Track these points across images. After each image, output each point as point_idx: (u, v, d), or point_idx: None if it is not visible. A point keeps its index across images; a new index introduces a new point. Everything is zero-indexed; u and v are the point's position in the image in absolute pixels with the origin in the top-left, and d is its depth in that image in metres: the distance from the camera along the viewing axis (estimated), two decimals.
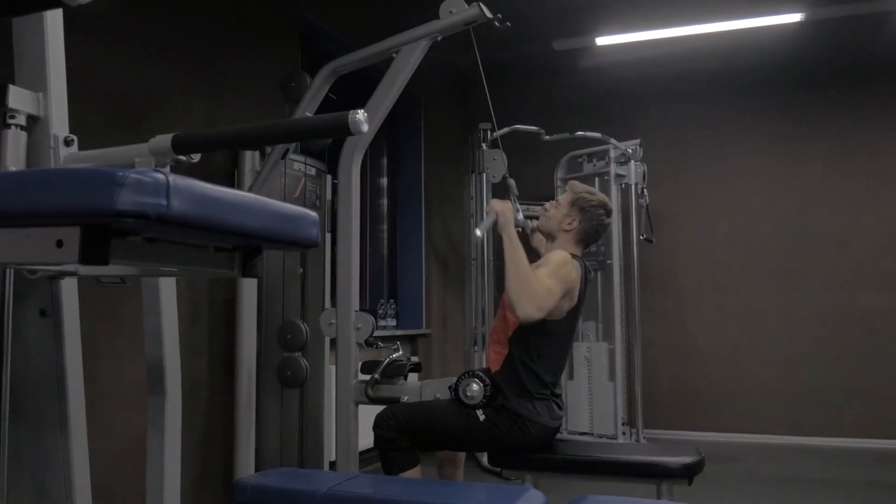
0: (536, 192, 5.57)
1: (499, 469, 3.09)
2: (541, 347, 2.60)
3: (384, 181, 5.60)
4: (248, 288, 3.23)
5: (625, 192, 5.27)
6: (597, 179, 5.43)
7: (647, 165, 5.24)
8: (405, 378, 3.07)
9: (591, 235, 2.74)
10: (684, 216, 5.68)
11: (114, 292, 2.78)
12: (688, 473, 2.49)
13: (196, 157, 1.63)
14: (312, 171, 3.57)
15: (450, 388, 2.62)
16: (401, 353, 3.04)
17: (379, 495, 1.99)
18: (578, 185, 2.82)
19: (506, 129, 4.89)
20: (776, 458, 4.85)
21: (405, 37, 2.92)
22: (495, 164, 4.69)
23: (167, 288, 1.72)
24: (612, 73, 5.80)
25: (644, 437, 5.08)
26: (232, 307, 3.26)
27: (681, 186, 5.71)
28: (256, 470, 3.22)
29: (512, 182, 3.03)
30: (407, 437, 2.59)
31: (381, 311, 5.09)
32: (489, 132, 4.74)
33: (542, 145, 5.23)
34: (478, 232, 2.72)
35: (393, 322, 5.13)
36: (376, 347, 3.04)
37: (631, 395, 5.20)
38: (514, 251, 2.53)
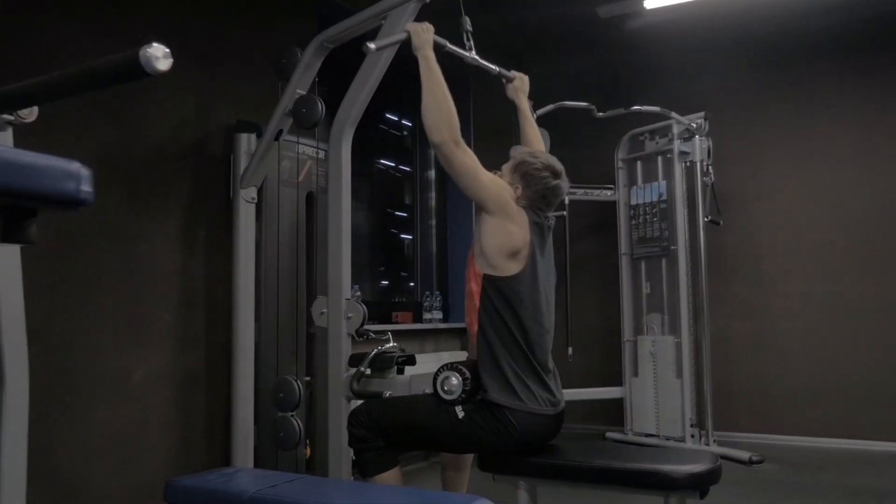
0: (595, 175, 5.20)
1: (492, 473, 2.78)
2: (508, 308, 2.28)
3: (432, 173, 5.36)
4: (245, 274, 3.08)
5: (690, 171, 4.79)
6: (660, 158, 4.99)
7: (715, 141, 4.75)
8: (400, 372, 2.84)
9: (539, 201, 2.39)
10: (763, 196, 5.11)
11: (93, 283, 2.69)
12: (696, 484, 2.11)
13: (29, 116, 1.45)
14: (322, 155, 3.38)
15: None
16: (392, 344, 2.81)
17: (305, 499, 1.76)
18: (519, 149, 2.50)
19: (550, 106, 4.55)
20: (870, 468, 4.25)
21: (392, 1, 2.69)
22: None
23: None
24: (667, 39, 5.26)
25: (715, 440, 4.60)
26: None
27: (757, 163, 5.14)
28: (255, 464, 3.07)
29: (465, 18, 2.69)
30: (382, 436, 2.35)
31: (426, 304, 4.86)
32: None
33: (596, 124, 4.84)
34: (371, 46, 2.30)
35: (439, 315, 4.88)
36: (367, 338, 2.82)
37: (700, 394, 4.72)
38: (431, 73, 2.27)
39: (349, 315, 2.78)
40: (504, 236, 2.28)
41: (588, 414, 5.49)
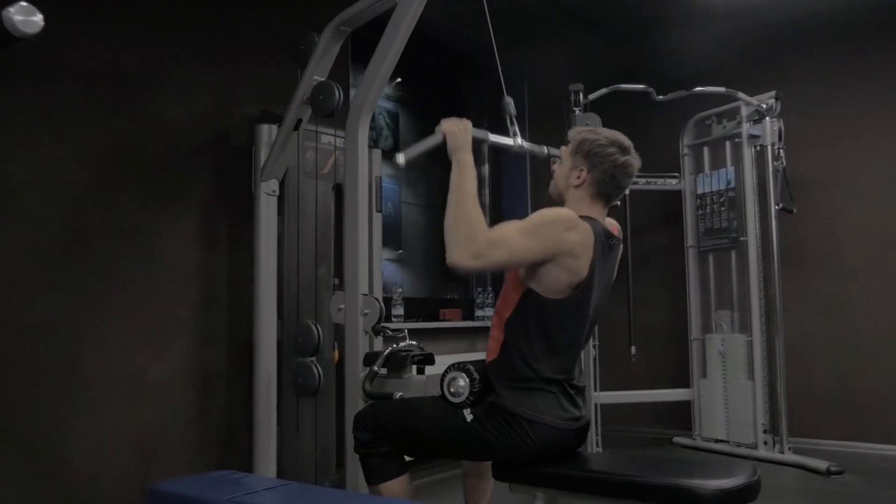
0: (659, 163, 4.89)
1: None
2: (542, 332, 2.07)
3: (485, 168, 5.17)
4: (266, 270, 2.99)
5: (760, 157, 4.41)
6: (727, 143, 4.64)
7: (787, 122, 4.36)
8: (420, 372, 2.68)
9: (608, 184, 2.11)
10: (842, 181, 4.65)
11: (105, 280, 2.66)
12: (727, 501, 1.85)
13: None
14: None
15: None
16: (408, 342, 2.64)
17: None
18: (578, 129, 2.24)
19: (604, 90, 4.28)
20: None
21: None
22: None
23: None
24: (731, 13, 4.86)
25: (790, 448, 4.22)
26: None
27: (835, 146, 4.68)
28: (278, 470, 2.97)
29: (508, 100, 2.49)
30: (387, 441, 2.19)
31: (479, 302, 4.68)
32: (580, 94, 4.16)
33: (658, 109, 4.53)
34: (400, 158, 2.15)
35: (491, 313, 4.67)
36: (385, 336, 2.68)
37: (773, 397, 4.34)
38: (462, 180, 2.03)
39: (365, 311, 2.64)
40: (562, 270, 2.00)
41: (655, 417, 5.18)
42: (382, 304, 2.65)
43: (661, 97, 4.39)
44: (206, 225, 2.97)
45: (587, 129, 2.20)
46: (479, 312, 4.66)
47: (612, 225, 2.24)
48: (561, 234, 1.99)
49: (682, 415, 4.87)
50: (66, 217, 2.54)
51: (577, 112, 4.16)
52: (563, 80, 4.32)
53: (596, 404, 4.93)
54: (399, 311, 4.02)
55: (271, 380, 2.99)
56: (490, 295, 4.71)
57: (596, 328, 2.79)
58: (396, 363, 2.55)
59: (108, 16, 2.71)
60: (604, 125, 4.80)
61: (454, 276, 4.93)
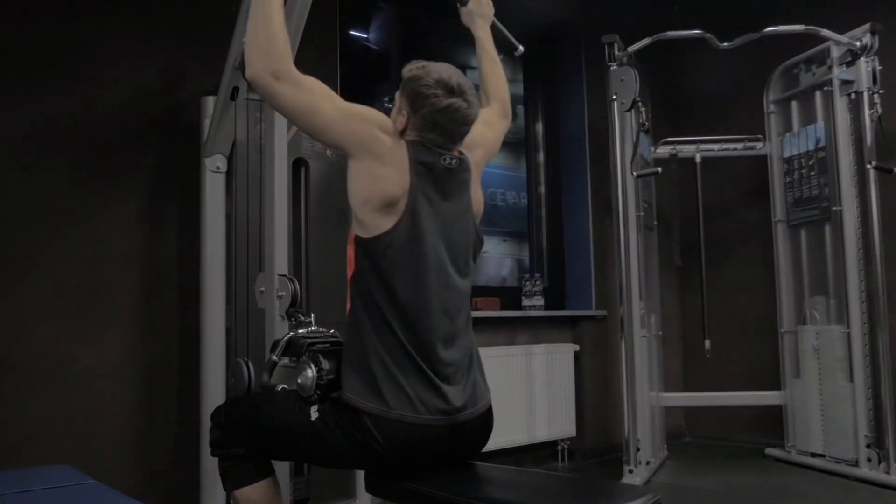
0: (736, 126, 4.19)
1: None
2: (379, 286, 1.68)
3: (540, 155, 4.68)
4: (212, 252, 2.78)
5: (856, 107, 3.59)
6: (817, 94, 3.84)
7: (885, 63, 3.51)
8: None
9: (429, 130, 1.72)
10: None
11: (30, 265, 2.56)
12: None
13: None
14: None
15: None
16: (314, 328, 2.31)
17: None
18: (411, 65, 1.80)
19: (646, 41, 3.67)
20: None
21: None
22: (624, 85, 3.53)
23: None
24: None
25: None
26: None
27: None
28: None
29: None
30: (239, 441, 1.88)
31: (526, 289, 4.21)
32: (614, 46, 3.59)
33: (729, 61, 3.84)
34: None
35: (540, 301, 4.20)
36: (295, 321, 2.36)
37: (878, 404, 3.51)
38: None
39: (280, 293, 2.35)
40: (369, 182, 1.68)
41: (744, 424, 4.45)
42: (298, 287, 2.34)
43: (725, 44, 3.70)
44: (153, 206, 2.80)
45: (418, 65, 1.78)
46: (526, 301, 4.20)
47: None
48: (373, 129, 1.70)
49: (775, 420, 4.11)
50: None
51: (614, 67, 3.59)
52: (608, 28, 3.74)
53: (669, 407, 4.32)
54: None
55: (218, 371, 2.77)
56: (538, 282, 4.24)
57: None
58: (296, 351, 2.23)
59: None
60: (654, 83, 4.21)
61: (490, 261, 4.50)
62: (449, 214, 1.75)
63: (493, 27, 2.30)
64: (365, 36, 3.98)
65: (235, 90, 2.68)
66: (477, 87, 1.91)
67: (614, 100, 3.59)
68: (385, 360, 1.66)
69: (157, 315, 2.79)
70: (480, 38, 2.21)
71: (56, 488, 1.60)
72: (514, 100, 4.55)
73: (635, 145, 3.51)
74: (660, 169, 3.50)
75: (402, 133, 1.75)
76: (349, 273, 1.77)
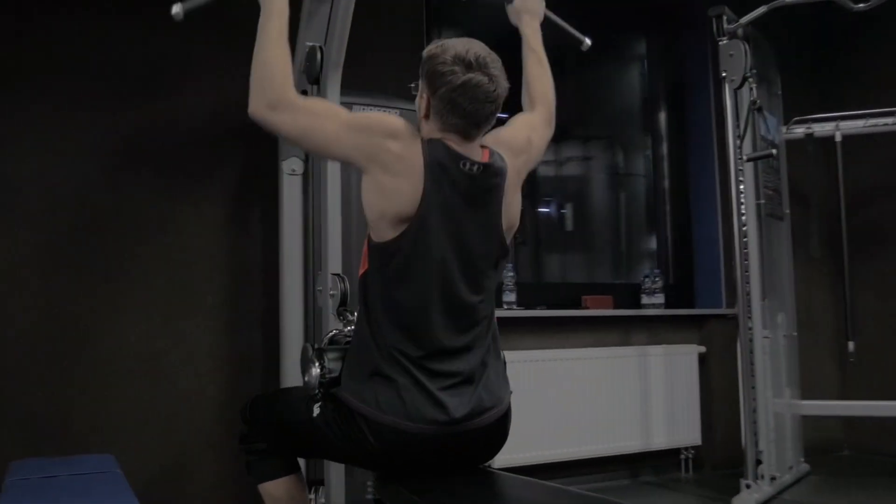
0: (886, 98, 3.68)
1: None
2: (383, 291, 1.63)
3: (664, 146, 4.37)
4: (290, 253, 2.86)
5: None
6: None
7: None
8: None
9: (449, 113, 1.60)
10: None
11: (124, 266, 2.79)
12: None
13: None
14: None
15: None
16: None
17: None
18: (431, 44, 1.69)
19: (760, 9, 3.31)
20: None
21: None
22: (733, 61, 3.21)
23: None
24: None
25: None
26: None
27: None
28: None
29: None
30: (261, 436, 1.91)
31: (646, 287, 3.96)
32: (723, 19, 3.26)
33: (861, 25, 3.37)
34: (176, 8, 1.79)
35: (660, 299, 3.92)
36: (344, 320, 2.37)
37: None
38: (263, 21, 1.65)
39: (332, 292, 2.37)
40: (383, 198, 1.60)
41: None
42: (347, 286, 2.35)
43: (860, 6, 3.24)
44: (236, 210, 2.95)
45: (437, 44, 1.67)
46: (646, 299, 3.94)
47: (485, 150, 1.69)
48: (377, 139, 1.59)
49: None
50: (78, 208, 2.72)
51: (723, 42, 3.27)
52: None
53: (821, 418, 3.87)
54: (510, 297, 3.56)
55: (298, 367, 2.85)
56: (658, 280, 3.96)
57: None
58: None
59: (124, 12, 2.85)
60: (779, 57, 3.76)
61: (622, 260, 4.27)
62: (468, 224, 1.63)
63: (550, 23, 2.14)
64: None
65: (304, 93, 2.75)
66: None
67: (724, 77, 3.27)
68: (382, 365, 1.61)
69: (240, 313, 2.93)
70: (527, 37, 2.02)
71: (74, 476, 1.70)
72: (639, 87, 4.37)
73: (745, 126, 3.18)
74: (774, 151, 3.15)
75: (425, 117, 1.66)
76: (360, 272, 1.74)
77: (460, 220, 1.63)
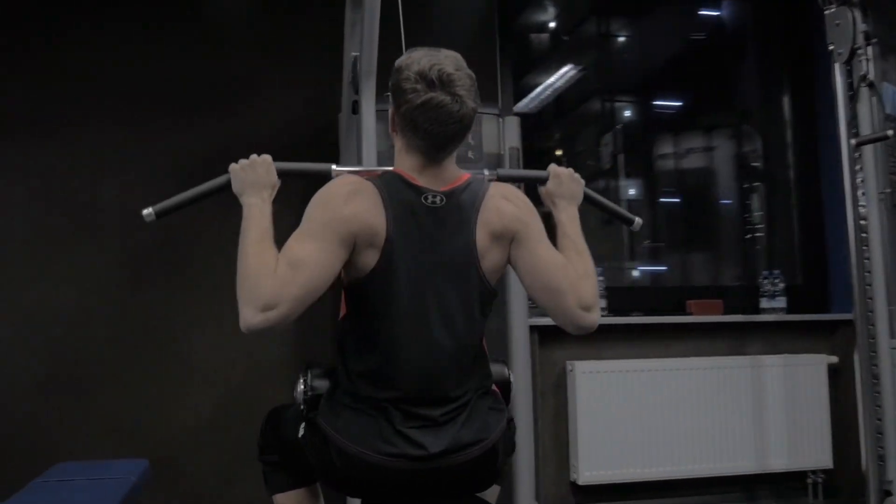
0: None
1: None
2: (356, 325, 1.57)
3: (786, 110, 3.92)
4: None
5: None
6: None
7: None
8: None
9: (412, 128, 1.51)
10: None
11: (197, 277, 2.93)
12: None
13: None
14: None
15: None
16: None
17: None
18: (403, 55, 1.57)
19: None
20: None
21: None
22: (840, 31, 2.81)
23: None
24: None
25: None
26: None
27: None
28: None
29: None
30: (272, 448, 1.91)
31: (764, 290, 3.57)
32: None
33: None
34: (147, 211, 1.74)
35: (781, 303, 3.51)
36: None
37: None
38: (243, 229, 1.54)
39: None
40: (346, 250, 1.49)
41: None
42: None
43: None
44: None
45: (407, 54, 1.56)
46: (766, 303, 3.55)
47: (457, 177, 1.57)
48: (342, 212, 1.48)
49: None
50: (154, 226, 2.85)
51: (830, 10, 2.86)
52: None
53: None
54: (600, 303, 3.33)
55: None
56: (779, 281, 3.55)
57: None
58: None
59: (195, 41, 3.01)
60: None
61: (712, 257, 3.88)
62: (440, 261, 1.52)
63: (593, 201, 1.88)
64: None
65: (356, 104, 2.74)
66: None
67: (831, 51, 2.86)
68: (353, 395, 1.54)
69: (309, 325, 2.96)
70: (563, 224, 1.73)
71: (90, 480, 1.78)
72: (760, 68, 3.95)
73: (853, 105, 2.76)
74: (891, 132, 2.69)
75: (394, 131, 1.59)
76: (340, 315, 1.64)
77: (430, 257, 1.52)
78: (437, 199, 1.51)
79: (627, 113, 4.02)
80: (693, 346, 3.41)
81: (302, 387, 1.72)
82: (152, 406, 2.86)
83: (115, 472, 1.90)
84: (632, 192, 3.91)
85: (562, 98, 3.83)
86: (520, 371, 2.95)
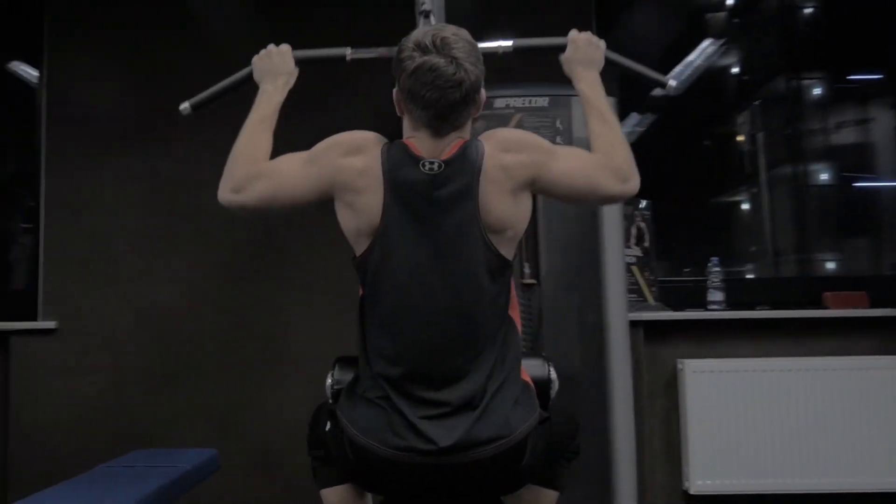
0: None
1: None
2: (368, 304, 1.55)
3: None
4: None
5: None
6: None
7: None
8: None
9: (411, 100, 1.46)
10: None
11: (302, 275, 3.01)
12: None
13: None
14: (535, 102, 2.75)
15: None
16: None
17: None
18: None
19: None
20: None
21: None
22: None
23: None
24: None
25: None
26: None
27: None
28: None
29: None
30: (319, 443, 1.90)
31: None
32: None
33: None
34: (184, 105, 1.91)
35: None
36: None
37: None
38: (252, 110, 1.72)
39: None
40: (353, 215, 1.51)
41: None
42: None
43: None
44: None
45: (420, 29, 1.52)
46: None
47: (454, 144, 1.49)
48: (337, 160, 1.52)
49: None
50: (253, 227, 2.99)
51: None
52: None
53: None
54: (716, 296, 3.03)
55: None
56: None
57: None
58: None
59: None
60: None
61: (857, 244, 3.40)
62: (439, 230, 1.47)
63: (616, 63, 1.81)
64: None
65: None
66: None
67: None
68: (369, 387, 1.52)
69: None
70: (583, 93, 1.70)
71: (150, 467, 1.85)
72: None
73: None
74: None
75: (401, 113, 1.56)
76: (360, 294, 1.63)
77: (430, 226, 1.46)
78: (435, 167, 1.46)
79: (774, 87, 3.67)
80: (829, 345, 3.02)
81: (330, 380, 1.71)
82: (252, 399, 2.97)
83: (174, 460, 1.97)
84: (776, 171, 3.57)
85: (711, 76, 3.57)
86: (618, 370, 2.74)
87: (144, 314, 3.01)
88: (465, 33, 1.48)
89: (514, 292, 1.58)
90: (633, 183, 1.57)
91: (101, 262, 3.04)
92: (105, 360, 2.99)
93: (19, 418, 2.96)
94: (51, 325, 2.98)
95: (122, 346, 3.00)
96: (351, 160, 1.49)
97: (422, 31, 1.47)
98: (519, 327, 1.58)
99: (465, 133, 1.52)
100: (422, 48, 1.42)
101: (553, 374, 1.67)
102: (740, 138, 3.69)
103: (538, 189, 1.53)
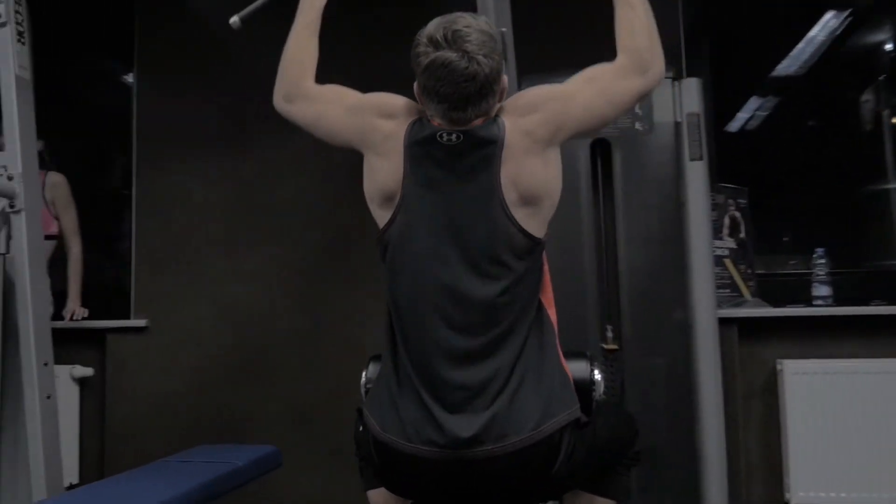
0: None
1: None
2: (389, 287, 1.50)
3: None
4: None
5: None
6: None
7: None
8: None
9: (427, 95, 1.43)
10: None
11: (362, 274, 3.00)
12: None
13: None
14: None
15: None
16: None
17: None
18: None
19: None
20: None
21: None
22: None
23: None
24: None
25: None
26: None
27: None
28: None
29: None
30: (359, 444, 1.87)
31: None
32: None
33: None
34: (234, 18, 1.93)
35: None
36: None
37: None
38: (296, 16, 1.71)
39: None
40: (370, 178, 1.52)
41: None
42: None
43: None
44: None
45: (435, 21, 1.46)
46: None
47: (475, 122, 1.44)
48: (372, 119, 1.52)
49: None
50: (327, 225, 3.01)
51: None
52: None
53: None
54: (822, 291, 2.75)
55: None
56: None
57: None
58: None
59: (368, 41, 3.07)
60: None
61: None
62: (459, 203, 1.42)
63: None
64: None
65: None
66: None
67: None
68: (388, 376, 1.48)
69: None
70: None
71: (204, 462, 1.87)
72: None
73: None
74: None
75: (421, 104, 1.52)
76: None
77: (449, 199, 1.41)
78: (454, 137, 1.42)
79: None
80: (877, 346, 2.71)
81: (363, 379, 1.67)
82: (328, 395, 2.97)
83: (231, 456, 1.98)
84: None
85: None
86: (708, 370, 2.56)
87: (226, 313, 3.09)
88: (480, 23, 1.42)
89: (547, 277, 1.50)
90: (655, 71, 1.50)
91: (187, 263, 3.15)
92: (189, 357, 3.09)
93: (112, 410, 3.11)
94: (142, 323, 3.12)
95: (206, 343, 3.09)
96: (382, 122, 1.50)
97: (435, 25, 1.42)
98: (554, 318, 1.48)
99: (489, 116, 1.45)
100: (434, 43, 1.39)
101: (597, 375, 1.55)
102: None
103: (566, 135, 1.48)
